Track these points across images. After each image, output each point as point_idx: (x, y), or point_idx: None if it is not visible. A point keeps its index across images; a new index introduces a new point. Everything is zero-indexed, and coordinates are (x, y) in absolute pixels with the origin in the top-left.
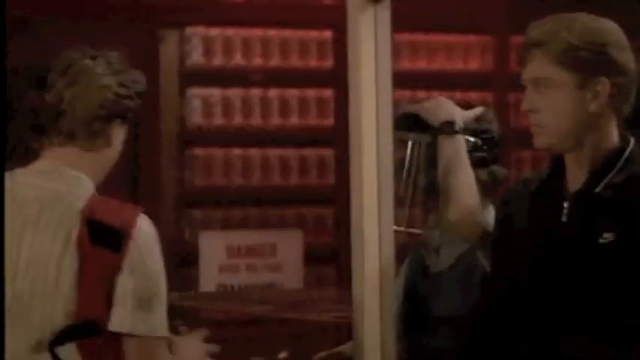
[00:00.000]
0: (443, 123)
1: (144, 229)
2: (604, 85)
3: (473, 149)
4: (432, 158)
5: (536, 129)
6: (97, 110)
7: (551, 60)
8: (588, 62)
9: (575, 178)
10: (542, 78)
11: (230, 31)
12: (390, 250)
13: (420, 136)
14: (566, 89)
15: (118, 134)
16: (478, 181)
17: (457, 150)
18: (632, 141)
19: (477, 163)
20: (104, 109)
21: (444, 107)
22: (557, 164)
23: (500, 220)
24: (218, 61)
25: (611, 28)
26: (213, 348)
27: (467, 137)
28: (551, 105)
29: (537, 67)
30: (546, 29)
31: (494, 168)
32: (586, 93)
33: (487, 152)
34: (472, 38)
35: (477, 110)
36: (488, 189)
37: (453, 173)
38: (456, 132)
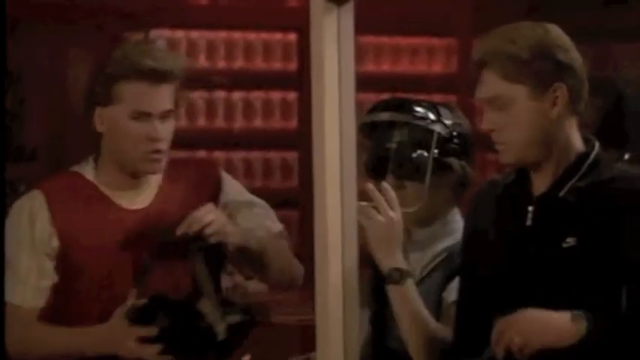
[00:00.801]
0: (390, 270)
1: (23, 200)
2: (562, 90)
3: (448, 138)
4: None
5: (501, 147)
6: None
7: (501, 77)
8: (539, 72)
9: (541, 182)
10: (495, 96)
11: (194, 34)
12: (353, 254)
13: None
14: (521, 103)
15: (102, 117)
16: (451, 172)
17: (406, 299)
18: (597, 145)
19: (450, 153)
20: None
21: (388, 251)
22: (524, 168)
23: (469, 222)
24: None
25: (553, 32)
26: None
27: (439, 129)
28: (511, 121)
29: (489, 86)
30: (490, 46)
31: (466, 165)
32: (544, 102)
33: (459, 146)
34: (436, 41)
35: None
36: (457, 187)
37: (408, 330)
38: (404, 279)
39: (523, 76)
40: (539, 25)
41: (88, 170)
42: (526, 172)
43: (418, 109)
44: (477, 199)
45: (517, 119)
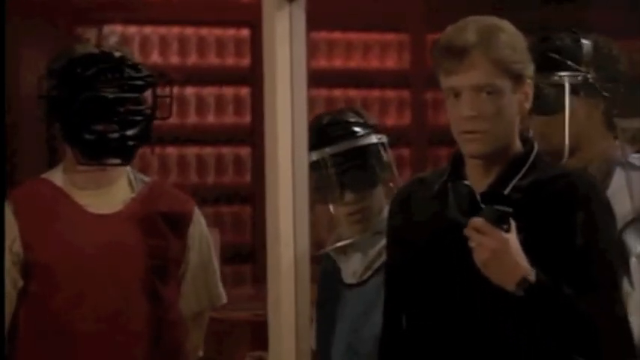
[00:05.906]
0: None
1: None
2: (531, 86)
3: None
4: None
5: (474, 136)
6: None
7: (494, 65)
8: (518, 67)
9: (480, 179)
10: (488, 84)
11: (147, 29)
12: (305, 249)
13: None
14: (506, 94)
15: None
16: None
17: None
18: (536, 145)
19: (379, 167)
20: None
21: None
22: (458, 164)
23: (397, 221)
24: (135, 59)
25: (517, 31)
26: None
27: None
28: (496, 110)
29: (480, 72)
30: (483, 32)
31: (388, 165)
32: (520, 96)
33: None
34: (389, 36)
35: None
36: (387, 187)
37: None
38: None
39: (507, 69)
40: (507, 22)
41: (57, 176)
42: (461, 167)
43: (356, 128)
44: (403, 197)
45: (501, 109)
